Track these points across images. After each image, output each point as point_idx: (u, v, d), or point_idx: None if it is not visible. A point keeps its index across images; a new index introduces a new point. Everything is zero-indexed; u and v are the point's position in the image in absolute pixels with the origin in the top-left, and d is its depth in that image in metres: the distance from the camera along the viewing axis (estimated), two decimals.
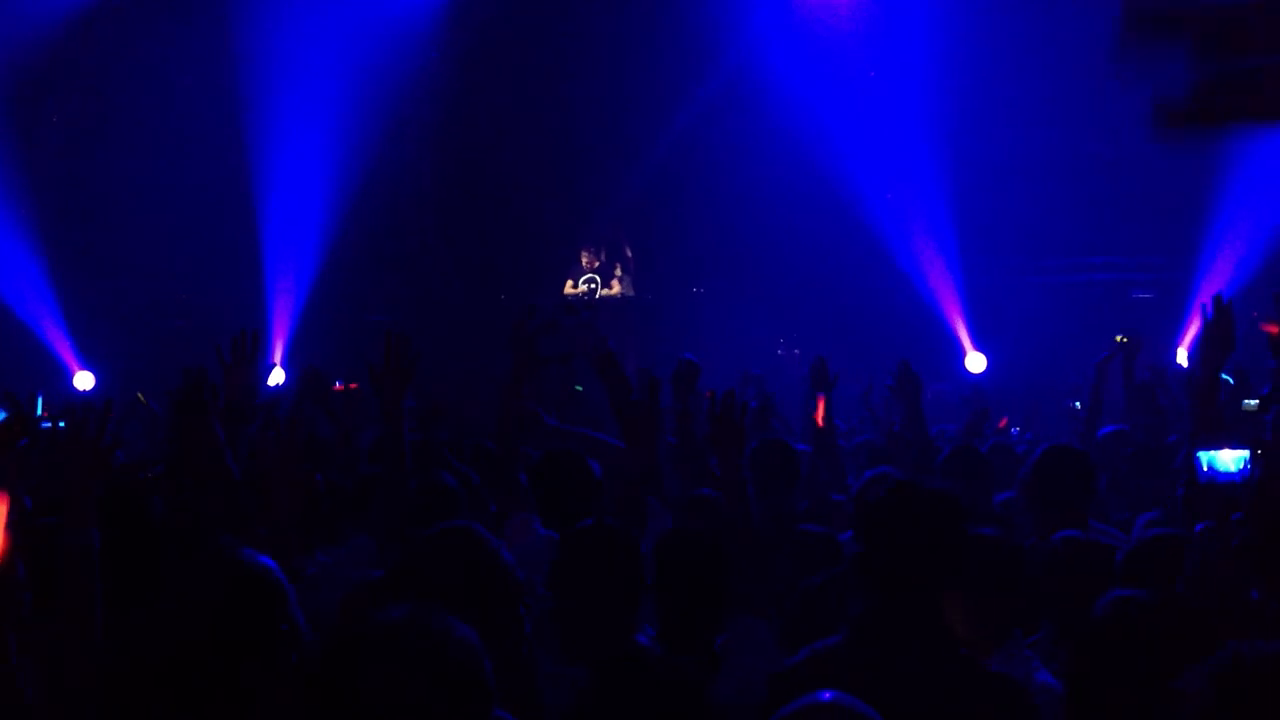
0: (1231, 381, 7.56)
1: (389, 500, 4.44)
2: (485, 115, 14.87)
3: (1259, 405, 6.65)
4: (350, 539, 4.97)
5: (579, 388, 9.44)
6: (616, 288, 15.56)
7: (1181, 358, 11.79)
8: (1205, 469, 3.71)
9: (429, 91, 14.22)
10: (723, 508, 4.89)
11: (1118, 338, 8.20)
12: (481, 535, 3.21)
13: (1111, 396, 8.57)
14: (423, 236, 15.08)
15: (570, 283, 15.54)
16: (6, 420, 3.01)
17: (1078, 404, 9.50)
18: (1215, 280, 12.85)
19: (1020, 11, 13.08)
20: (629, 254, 15.67)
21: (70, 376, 12.81)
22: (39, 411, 6.44)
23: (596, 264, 15.55)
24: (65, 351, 13.16)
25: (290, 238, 14.12)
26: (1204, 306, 4.49)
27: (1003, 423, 9.80)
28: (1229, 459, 3.71)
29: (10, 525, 2.84)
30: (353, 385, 8.05)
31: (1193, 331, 12.63)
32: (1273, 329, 4.43)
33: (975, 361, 13.01)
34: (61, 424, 3.20)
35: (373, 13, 13.63)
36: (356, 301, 14.32)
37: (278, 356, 13.65)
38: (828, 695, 2.30)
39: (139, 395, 9.02)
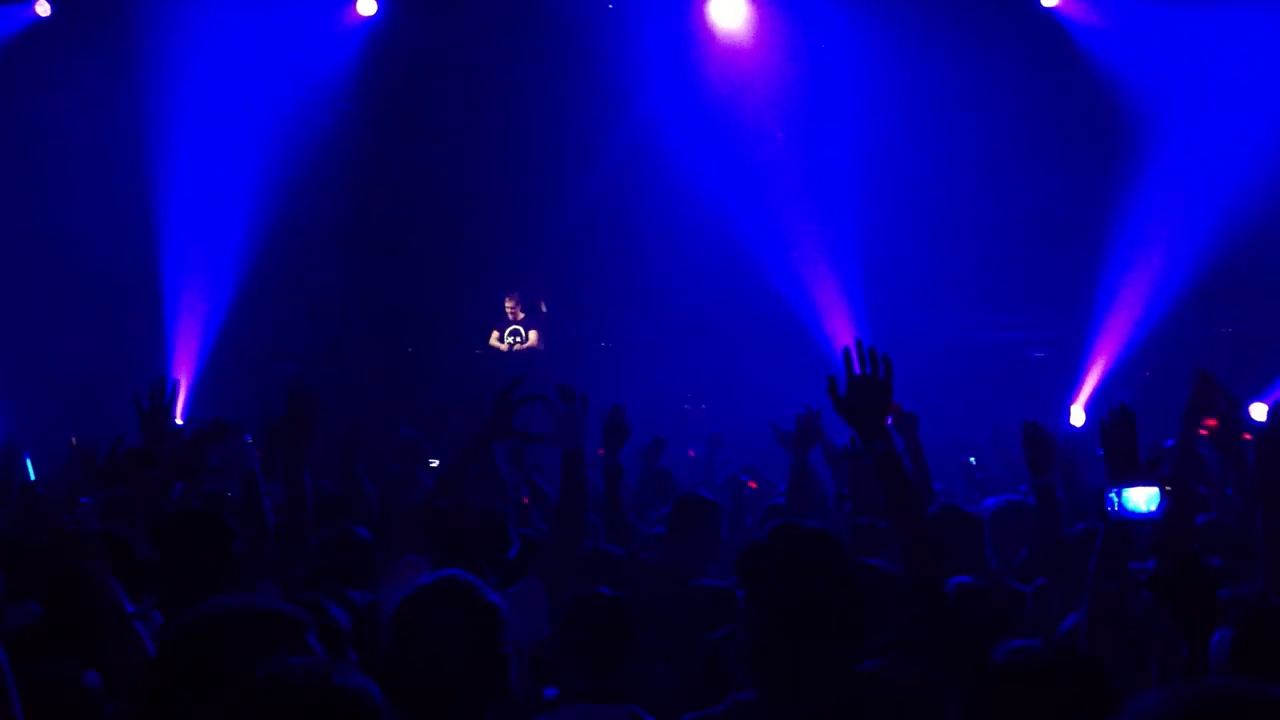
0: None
1: (291, 551, 4.43)
2: (395, 165, 14.87)
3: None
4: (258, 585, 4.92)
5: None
6: (534, 338, 15.58)
7: (1075, 417, 12.13)
8: (1117, 507, 3.84)
9: (341, 139, 14.19)
10: (628, 564, 4.99)
11: None
12: (475, 583, 3.10)
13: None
14: (331, 285, 14.98)
15: (496, 333, 15.52)
16: None
17: (973, 459, 9.72)
18: (1108, 338, 13.27)
19: (926, 73, 13.45)
20: (544, 308, 15.70)
21: None
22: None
23: (521, 315, 15.56)
24: None
25: (194, 285, 13.93)
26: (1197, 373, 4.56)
27: None
28: (1141, 498, 3.84)
29: None
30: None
31: (1086, 391, 13.01)
32: (1212, 423, 4.57)
33: None
34: None
35: (284, 60, 13.60)
36: (262, 351, 14.15)
37: (180, 405, 13.42)
38: None
39: (71, 440, 8.83)
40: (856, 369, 3.66)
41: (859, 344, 3.71)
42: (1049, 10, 13.72)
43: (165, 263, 13.90)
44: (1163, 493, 3.83)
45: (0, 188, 13.63)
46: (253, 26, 13.28)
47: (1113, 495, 3.89)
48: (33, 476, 7.10)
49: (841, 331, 13.98)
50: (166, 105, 13.49)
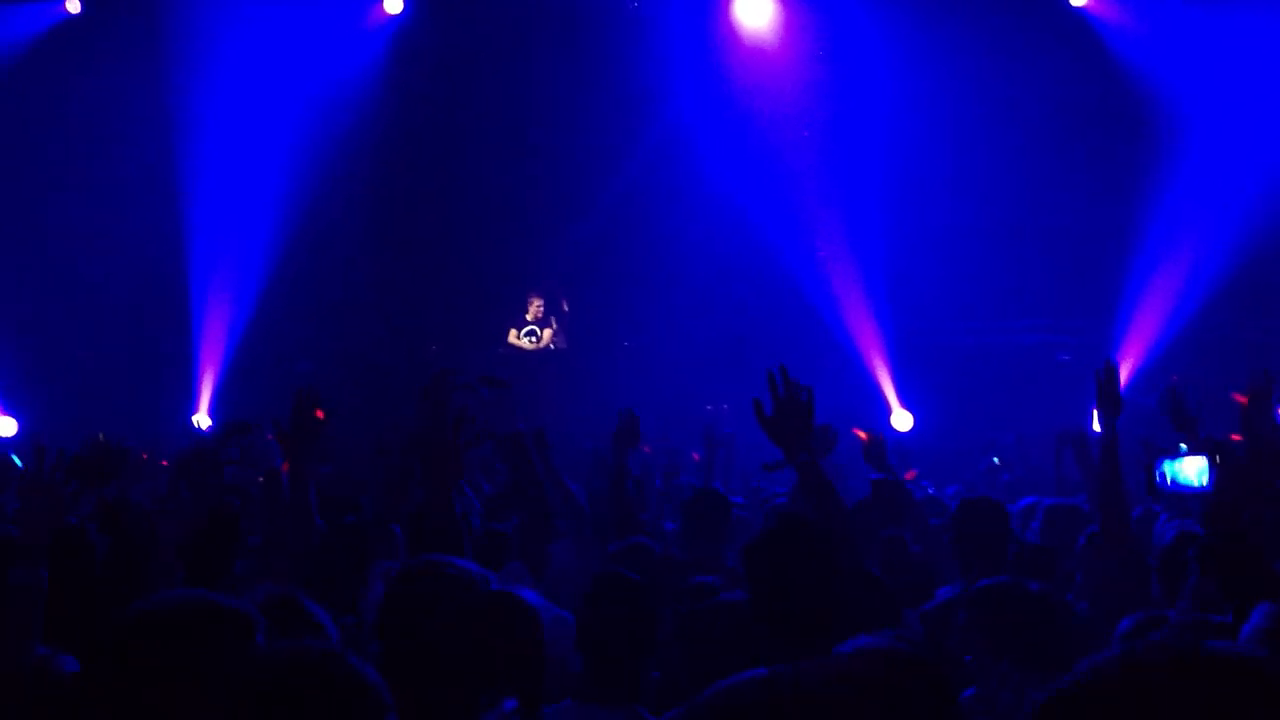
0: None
1: (298, 556, 4.43)
2: (420, 166, 14.89)
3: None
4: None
5: None
6: (547, 337, 15.58)
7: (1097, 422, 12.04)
8: (1169, 481, 3.81)
9: (367, 139, 14.23)
10: (654, 554, 4.98)
11: None
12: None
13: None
14: (356, 283, 15.02)
15: (514, 332, 15.53)
16: None
17: (996, 459, 9.66)
18: (1135, 342, 13.17)
19: (953, 74, 13.37)
20: (565, 308, 15.70)
21: None
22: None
23: (543, 315, 15.57)
24: None
25: (221, 282, 14.01)
26: (1097, 372, 4.65)
27: (910, 474, 9.91)
28: (1191, 470, 3.80)
29: None
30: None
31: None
32: (1241, 400, 4.56)
33: (901, 420, 13.16)
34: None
35: (311, 59, 13.64)
36: (285, 349, 14.20)
37: (204, 402, 13.53)
38: None
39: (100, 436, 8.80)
40: (781, 392, 4.01)
41: (783, 370, 4.04)
42: (1078, 10, 13.62)
43: (192, 260, 13.98)
44: (1212, 465, 3.80)
45: (28, 184, 13.74)
46: (279, 26, 13.33)
47: (1163, 468, 3.87)
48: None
49: (867, 334, 13.93)
50: (193, 104, 13.56)
